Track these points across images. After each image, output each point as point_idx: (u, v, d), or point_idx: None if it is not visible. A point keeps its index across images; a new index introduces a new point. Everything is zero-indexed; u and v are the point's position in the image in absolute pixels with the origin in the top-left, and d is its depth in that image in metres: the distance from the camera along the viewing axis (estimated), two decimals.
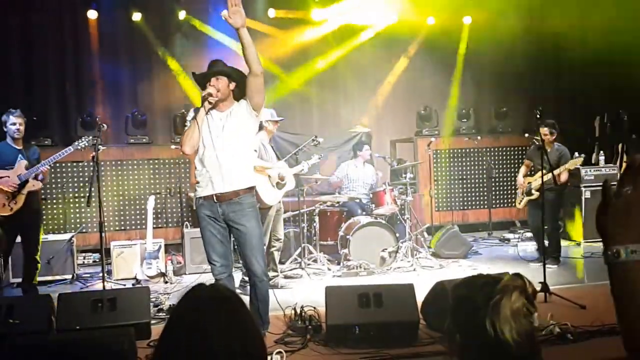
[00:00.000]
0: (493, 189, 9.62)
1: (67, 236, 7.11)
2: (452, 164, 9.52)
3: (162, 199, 8.39)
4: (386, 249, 6.90)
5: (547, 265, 5.65)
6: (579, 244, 8.20)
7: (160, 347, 1.40)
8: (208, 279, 4.87)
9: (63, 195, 8.05)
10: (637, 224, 1.20)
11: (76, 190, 8.10)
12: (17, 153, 5.82)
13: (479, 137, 9.39)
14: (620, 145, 8.88)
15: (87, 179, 7.87)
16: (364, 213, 7.48)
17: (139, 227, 8.27)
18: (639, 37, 9.01)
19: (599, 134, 9.88)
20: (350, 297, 4.42)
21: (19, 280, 6.20)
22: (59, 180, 7.99)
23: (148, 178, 8.45)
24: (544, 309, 4.59)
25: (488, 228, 9.32)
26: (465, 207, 9.58)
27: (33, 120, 6.18)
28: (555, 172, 6.13)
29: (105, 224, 6.96)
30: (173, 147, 8.10)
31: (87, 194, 5.55)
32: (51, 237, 7.09)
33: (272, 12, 9.42)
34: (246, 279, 4.82)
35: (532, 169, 7.04)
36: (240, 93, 4.27)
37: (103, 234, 5.37)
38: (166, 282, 6.66)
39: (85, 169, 8.04)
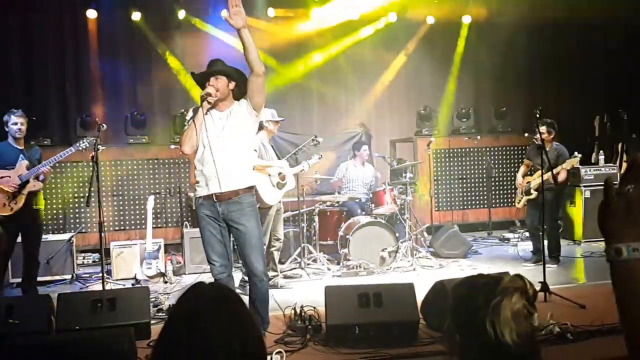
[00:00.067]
0: (493, 188, 9.62)
1: (66, 236, 7.12)
2: (451, 164, 9.52)
3: (161, 198, 8.38)
4: (386, 249, 6.90)
5: (547, 265, 5.65)
6: (579, 244, 8.20)
7: (159, 346, 1.39)
8: (208, 278, 4.86)
9: (62, 195, 8.05)
10: (639, 222, 1.21)
11: (76, 190, 8.10)
12: (19, 153, 5.82)
13: (478, 137, 9.40)
14: (620, 145, 8.87)
15: (86, 179, 7.85)
16: (363, 213, 7.48)
17: (138, 227, 8.27)
18: (638, 35, 9.02)
19: (599, 134, 9.88)
20: (350, 297, 4.42)
21: (19, 280, 6.20)
22: (58, 180, 7.98)
23: (147, 178, 8.45)
24: (544, 309, 4.58)
25: (488, 228, 9.32)
26: (465, 207, 9.58)
27: (33, 120, 6.18)
28: (554, 171, 6.13)
29: (105, 224, 6.95)
30: (172, 147, 8.10)
31: (87, 194, 5.54)
32: (51, 237, 7.09)
33: (271, 12, 9.42)
34: (246, 278, 4.82)
35: (532, 168, 7.04)
36: (239, 93, 4.26)
37: (102, 234, 5.36)
38: (166, 282, 6.66)
39: (85, 169, 8.03)
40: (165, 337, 1.39)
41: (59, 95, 8.85)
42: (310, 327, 4.47)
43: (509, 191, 9.54)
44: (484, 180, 9.58)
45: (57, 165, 7.56)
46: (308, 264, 6.99)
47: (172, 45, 9.13)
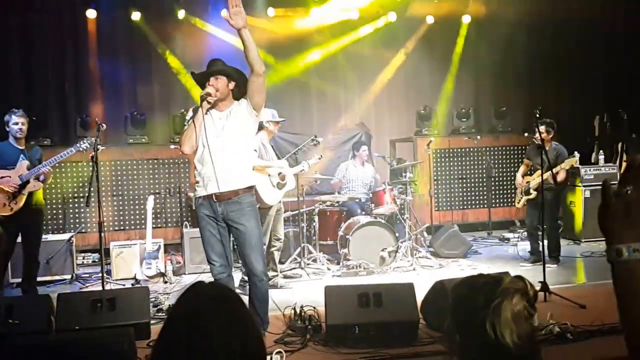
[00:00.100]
0: (493, 188, 9.62)
1: (66, 236, 7.11)
2: (451, 164, 9.52)
3: (161, 198, 8.38)
4: (386, 249, 6.90)
5: (546, 265, 5.65)
6: (578, 243, 8.20)
7: (159, 346, 1.39)
8: (208, 278, 4.85)
9: (62, 195, 8.05)
10: (638, 223, 1.21)
11: (75, 190, 8.10)
12: (19, 153, 5.81)
13: (478, 137, 9.39)
14: (620, 145, 8.87)
15: (86, 179, 7.86)
16: (363, 213, 7.47)
17: (138, 227, 8.26)
18: (638, 34, 9.01)
19: (599, 133, 9.88)
20: (349, 297, 4.42)
21: (19, 280, 6.20)
22: (58, 180, 7.98)
23: (147, 178, 8.44)
24: (544, 309, 4.57)
25: (488, 227, 9.32)
26: (465, 207, 9.57)
27: (32, 121, 6.18)
28: (553, 171, 6.13)
29: (105, 224, 6.94)
30: (172, 147, 8.10)
31: (87, 194, 5.54)
32: (50, 237, 7.08)
33: (271, 11, 9.42)
34: (246, 278, 4.82)
35: (532, 168, 7.04)
36: (239, 93, 4.26)
37: (102, 234, 5.36)
38: (165, 282, 6.66)
39: (85, 168, 8.02)
40: (164, 336, 1.38)
41: (58, 95, 8.85)
42: (310, 327, 4.47)
43: (508, 191, 9.54)
44: (484, 180, 9.57)
45: (56, 165, 7.54)
46: (308, 264, 6.98)
47: (172, 45, 9.13)
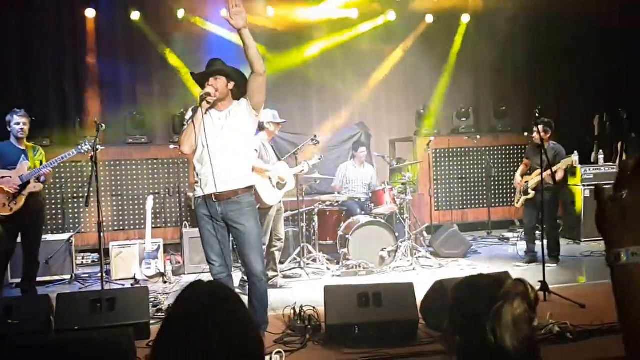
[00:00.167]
0: (492, 188, 9.62)
1: (65, 236, 7.10)
2: (451, 163, 9.52)
3: (161, 198, 8.38)
4: (385, 249, 6.90)
5: (546, 265, 5.65)
6: (578, 243, 8.20)
7: (158, 345, 1.38)
8: (207, 278, 4.85)
9: (62, 195, 8.04)
10: (635, 227, 1.21)
11: (75, 190, 8.09)
12: (21, 153, 5.80)
13: (478, 136, 9.40)
14: (619, 144, 8.88)
15: (85, 178, 7.85)
16: (363, 212, 7.47)
17: (137, 227, 8.26)
18: (633, 28, 9.00)
19: (599, 133, 9.88)
20: (349, 297, 4.42)
21: (19, 280, 6.19)
22: (57, 180, 7.98)
23: (147, 178, 8.44)
24: (544, 308, 4.58)
25: (487, 227, 9.32)
26: (465, 207, 9.58)
27: (32, 121, 6.17)
28: (552, 169, 6.13)
29: (104, 224, 6.94)
30: (172, 147, 8.10)
31: (86, 194, 5.52)
32: (50, 237, 7.07)
33: (271, 11, 9.41)
34: (246, 278, 4.82)
35: (531, 167, 7.04)
36: (239, 92, 4.26)
37: (102, 234, 5.35)
38: (165, 282, 6.65)
39: (84, 168, 8.02)
40: (163, 336, 1.37)
41: (58, 95, 8.84)
42: (309, 327, 4.47)
43: (508, 191, 9.54)
44: (484, 179, 9.58)
45: (56, 165, 7.56)
46: (307, 264, 6.98)
47: (171, 45, 9.13)
